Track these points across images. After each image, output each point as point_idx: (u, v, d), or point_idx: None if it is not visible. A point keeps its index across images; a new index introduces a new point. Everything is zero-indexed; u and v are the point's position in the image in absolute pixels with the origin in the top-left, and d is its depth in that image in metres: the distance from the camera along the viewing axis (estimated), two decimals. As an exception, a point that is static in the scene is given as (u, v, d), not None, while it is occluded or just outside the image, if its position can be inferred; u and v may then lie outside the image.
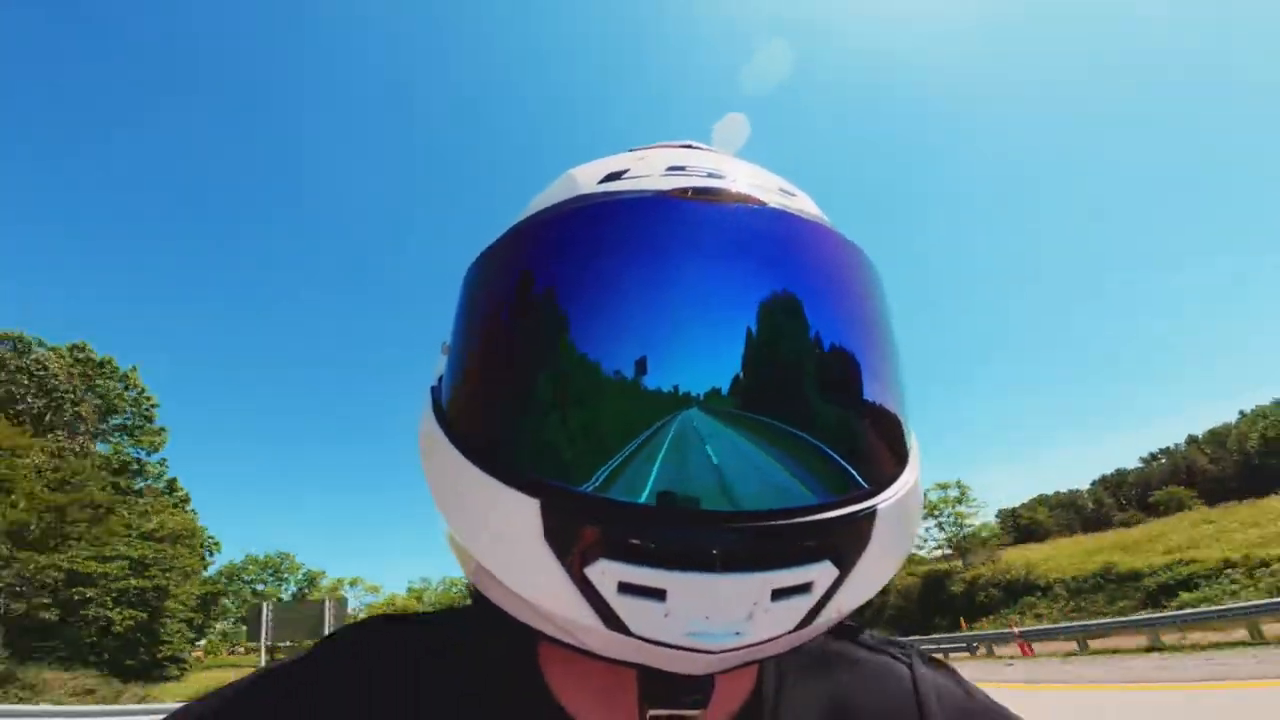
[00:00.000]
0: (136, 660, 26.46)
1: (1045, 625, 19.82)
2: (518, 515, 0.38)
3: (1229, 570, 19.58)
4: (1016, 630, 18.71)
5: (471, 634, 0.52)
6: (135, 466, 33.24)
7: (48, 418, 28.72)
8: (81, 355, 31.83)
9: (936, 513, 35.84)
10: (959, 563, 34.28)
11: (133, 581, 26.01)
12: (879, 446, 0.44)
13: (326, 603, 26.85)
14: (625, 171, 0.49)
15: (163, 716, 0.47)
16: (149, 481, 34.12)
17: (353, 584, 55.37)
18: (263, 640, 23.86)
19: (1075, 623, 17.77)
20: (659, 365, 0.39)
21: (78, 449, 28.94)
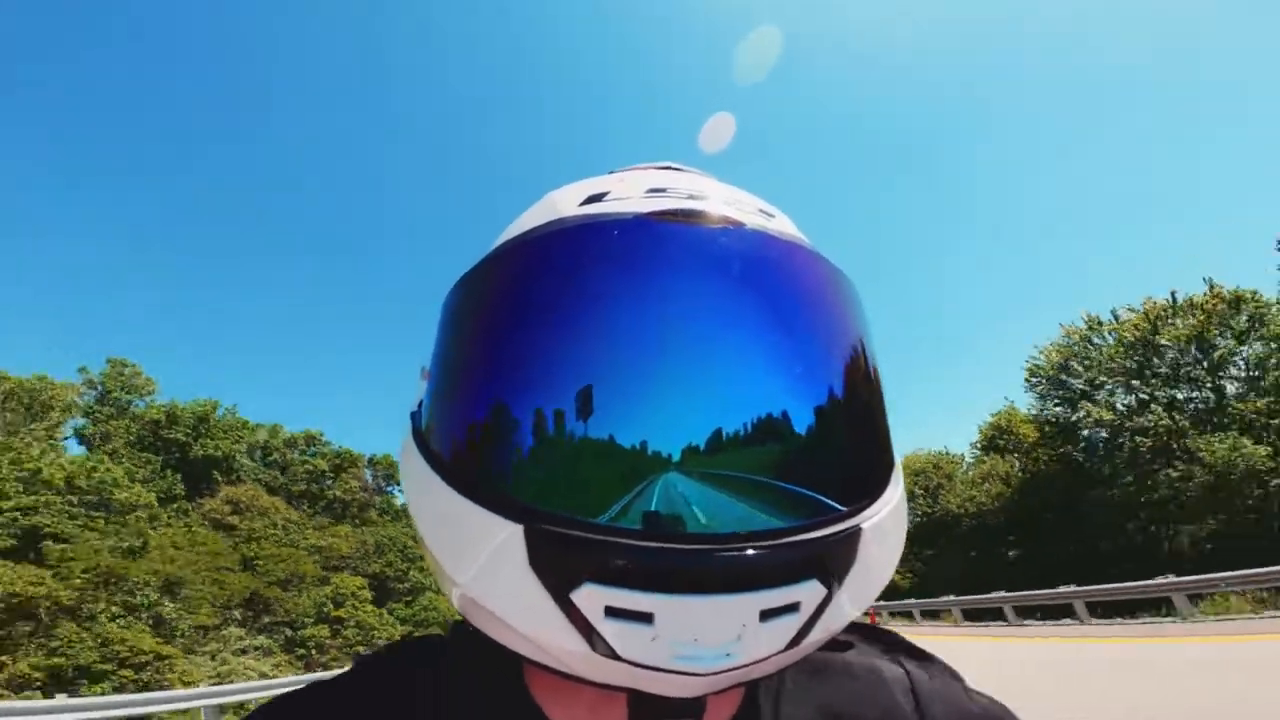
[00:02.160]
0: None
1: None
2: (501, 541, 0.38)
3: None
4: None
5: (458, 656, 0.53)
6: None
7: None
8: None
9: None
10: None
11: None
12: (862, 466, 0.45)
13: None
14: (606, 194, 0.49)
15: None
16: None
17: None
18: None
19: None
20: (642, 390, 0.39)
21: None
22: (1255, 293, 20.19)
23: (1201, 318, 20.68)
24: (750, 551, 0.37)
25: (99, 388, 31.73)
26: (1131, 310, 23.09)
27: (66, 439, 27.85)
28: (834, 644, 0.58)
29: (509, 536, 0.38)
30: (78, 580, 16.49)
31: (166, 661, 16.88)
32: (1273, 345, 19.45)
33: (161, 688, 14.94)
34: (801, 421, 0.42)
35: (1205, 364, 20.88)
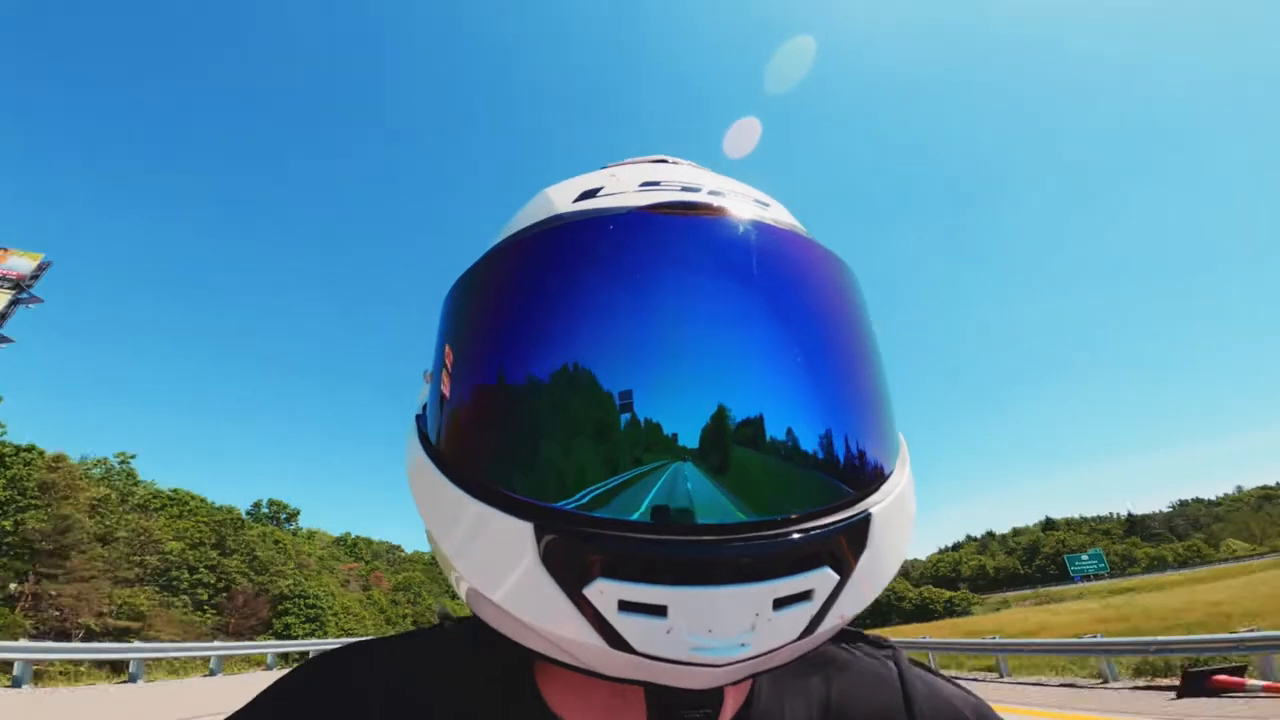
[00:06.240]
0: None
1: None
2: (512, 540, 0.38)
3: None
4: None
5: (464, 654, 0.52)
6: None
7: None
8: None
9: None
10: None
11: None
12: (869, 452, 0.44)
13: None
14: (599, 189, 0.49)
15: None
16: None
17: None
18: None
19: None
20: (647, 383, 0.39)
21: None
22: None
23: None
24: (761, 540, 0.37)
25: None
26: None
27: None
28: (831, 639, 0.59)
29: (520, 534, 0.38)
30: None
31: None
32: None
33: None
34: (807, 408, 0.42)
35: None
